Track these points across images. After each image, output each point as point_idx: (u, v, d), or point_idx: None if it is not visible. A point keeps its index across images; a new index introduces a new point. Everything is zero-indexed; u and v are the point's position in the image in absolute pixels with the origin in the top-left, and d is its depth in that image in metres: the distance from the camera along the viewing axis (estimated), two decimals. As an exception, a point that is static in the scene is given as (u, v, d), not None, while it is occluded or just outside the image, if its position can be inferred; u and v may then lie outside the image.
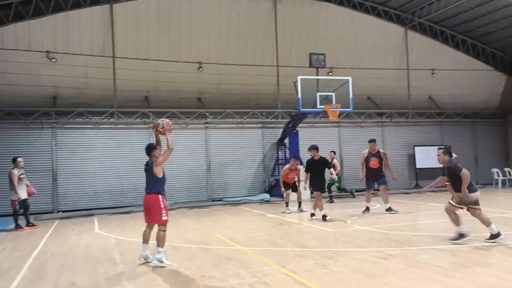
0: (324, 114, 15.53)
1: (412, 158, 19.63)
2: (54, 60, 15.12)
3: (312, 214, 10.93)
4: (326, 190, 12.95)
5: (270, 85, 17.83)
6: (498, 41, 20.30)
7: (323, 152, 12.87)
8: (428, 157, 19.49)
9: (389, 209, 11.24)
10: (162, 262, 6.40)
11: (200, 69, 16.87)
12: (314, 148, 10.81)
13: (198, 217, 12.48)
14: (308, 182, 10.94)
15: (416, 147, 19.61)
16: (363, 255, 6.59)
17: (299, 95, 14.67)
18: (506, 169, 19.77)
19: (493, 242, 7.03)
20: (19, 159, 11.23)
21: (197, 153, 16.76)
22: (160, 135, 7.15)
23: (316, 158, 10.76)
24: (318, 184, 10.65)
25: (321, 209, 10.46)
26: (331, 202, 14.44)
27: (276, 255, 6.88)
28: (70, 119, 15.25)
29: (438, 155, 7.60)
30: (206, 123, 16.99)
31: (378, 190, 12.64)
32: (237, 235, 8.86)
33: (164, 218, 6.62)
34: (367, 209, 11.48)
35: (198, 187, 16.59)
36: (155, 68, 16.25)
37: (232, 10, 17.01)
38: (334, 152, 15.39)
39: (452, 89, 20.52)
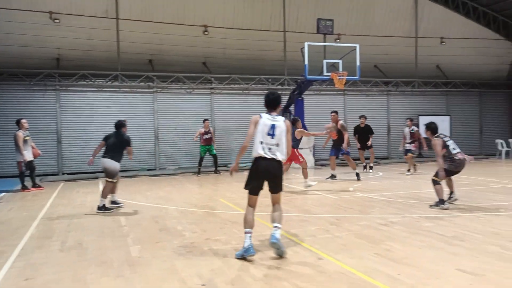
0: (331, 81, 15.34)
1: (417, 127, 19.49)
2: (57, 21, 14.86)
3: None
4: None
5: (276, 51, 17.54)
6: (510, 9, 19.73)
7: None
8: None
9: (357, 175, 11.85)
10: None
11: (206, 33, 16.57)
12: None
13: (203, 182, 12.60)
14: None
15: (420, 117, 19.46)
16: (366, 222, 6.67)
17: (306, 62, 14.45)
18: (511, 140, 19.68)
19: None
20: (23, 121, 11.23)
21: (202, 118, 16.71)
22: None
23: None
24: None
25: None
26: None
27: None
28: (73, 81, 15.14)
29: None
30: (211, 88, 16.85)
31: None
32: (242, 200, 8.95)
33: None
34: (332, 176, 12.03)
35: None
36: (159, 31, 15.96)
37: (239, -28, 16.55)
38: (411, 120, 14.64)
39: (461, 58, 20.14)
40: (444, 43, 19.67)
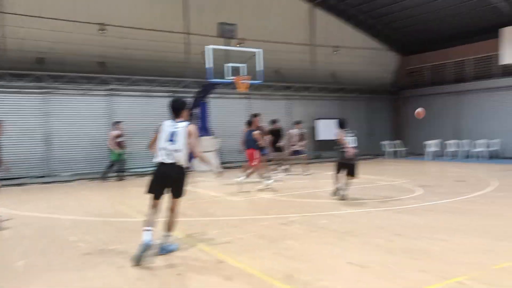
0: (235, 85, 15.56)
1: (313, 130, 20.63)
2: None
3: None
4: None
5: (179, 53, 17.33)
6: (394, 23, 21.82)
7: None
8: (328, 130, 20.66)
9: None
10: None
11: (102, 31, 15.75)
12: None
13: (101, 189, 11.94)
14: None
15: (317, 120, 20.64)
16: (267, 222, 6.86)
17: (208, 65, 14.49)
18: (396, 141, 21.77)
19: None
20: None
21: (99, 122, 15.85)
22: None
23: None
24: None
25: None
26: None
27: (182, 225, 6.85)
28: None
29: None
30: (109, 89, 16.06)
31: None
32: (142, 206, 8.65)
33: None
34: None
35: (101, 157, 15.76)
36: (51, 28, 14.81)
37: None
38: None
39: (352, 66, 21.77)
40: (337, 52, 21.07)
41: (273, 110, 19.34)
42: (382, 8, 20.41)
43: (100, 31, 15.69)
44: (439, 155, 19.78)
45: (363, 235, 5.84)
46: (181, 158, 5.09)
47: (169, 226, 5.27)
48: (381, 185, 11.08)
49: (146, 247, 4.80)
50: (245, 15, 18.30)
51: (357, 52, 21.57)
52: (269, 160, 12.81)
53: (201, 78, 16.29)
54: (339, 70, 21.66)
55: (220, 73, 14.95)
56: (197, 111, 16.91)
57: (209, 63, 14.40)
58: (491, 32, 17.51)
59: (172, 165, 5.06)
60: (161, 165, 5.09)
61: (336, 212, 7.55)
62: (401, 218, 6.92)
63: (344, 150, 8.64)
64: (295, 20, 19.84)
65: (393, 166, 17.21)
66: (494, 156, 18.22)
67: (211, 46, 14.61)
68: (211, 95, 16.78)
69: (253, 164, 10.57)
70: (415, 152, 21.67)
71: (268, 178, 10.78)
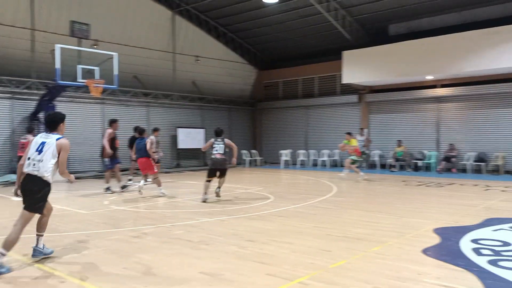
0: (87, 89, 14.51)
1: (174, 138, 20.43)
2: None
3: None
4: None
5: (22, 50, 15.50)
6: (252, 38, 22.99)
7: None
8: (189, 139, 20.72)
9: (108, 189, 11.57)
10: None
11: None
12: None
13: None
14: None
15: (178, 129, 20.50)
16: (118, 236, 6.48)
17: (57, 66, 13.26)
18: (253, 151, 22.84)
19: None
20: None
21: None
22: None
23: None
24: None
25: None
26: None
27: (19, 243, 6.06)
28: None
29: None
30: None
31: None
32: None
33: None
34: (108, 189, 11.54)
35: None
36: None
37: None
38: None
39: (213, 76, 22.23)
40: (199, 61, 21.29)
41: (131, 117, 18.58)
42: (240, 23, 21.33)
43: None
44: (292, 164, 21.34)
45: (217, 244, 5.91)
46: (43, 169, 4.95)
47: (9, 244, 4.84)
48: (237, 193, 11.44)
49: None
50: (101, 15, 17.26)
51: (218, 63, 22.10)
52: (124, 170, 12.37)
53: (48, 79, 14.86)
54: (200, 80, 21.89)
55: (71, 76, 13.81)
56: (41, 115, 15.32)
57: (58, 63, 13.18)
58: (336, 54, 19.65)
59: (31, 175, 4.99)
60: (26, 175, 5.04)
61: (191, 222, 7.52)
62: (253, 225, 7.21)
63: (211, 157, 9.91)
64: (157, 26, 19.44)
65: (250, 174, 17.98)
66: (334, 165, 20.38)
67: (61, 45, 13.42)
68: (60, 99, 15.39)
69: (155, 171, 10.93)
70: (270, 161, 23.03)
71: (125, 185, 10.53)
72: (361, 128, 18.99)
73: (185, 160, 20.92)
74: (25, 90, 15.49)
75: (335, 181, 14.33)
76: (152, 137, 14.04)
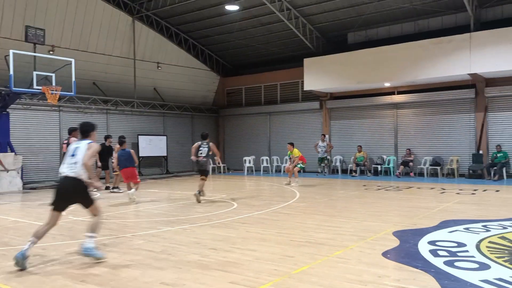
0: (43, 96, 14.01)
1: (136, 146, 20.02)
2: None
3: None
4: None
5: (-28, 55, 14.79)
6: (214, 45, 22.95)
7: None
8: (151, 146, 20.36)
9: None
10: None
11: None
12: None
13: None
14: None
15: (140, 136, 20.11)
16: (75, 248, 6.23)
17: (11, 72, 12.74)
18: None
19: None
20: None
21: None
22: None
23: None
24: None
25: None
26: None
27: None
28: None
29: None
30: None
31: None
32: None
33: None
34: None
35: None
36: None
37: None
38: None
39: (175, 83, 22.00)
40: (160, 68, 21.02)
41: (90, 124, 18.03)
42: (201, 30, 21.25)
43: None
44: (255, 170, 21.37)
45: (179, 253, 5.81)
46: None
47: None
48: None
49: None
50: (57, 20, 16.73)
51: (180, 70, 21.90)
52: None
53: (3, 86, 14.25)
54: (162, 87, 21.61)
55: (25, 82, 13.30)
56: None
57: (12, 69, 12.67)
58: (297, 61, 19.92)
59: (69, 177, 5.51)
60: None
61: (153, 231, 7.36)
62: (217, 232, 7.15)
63: (198, 159, 10.87)
64: (116, 32, 19.03)
65: (213, 181, 17.83)
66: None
67: (15, 51, 12.91)
68: (14, 106, 14.78)
69: (138, 180, 11.62)
70: (234, 168, 22.97)
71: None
72: (323, 134, 19.32)
73: (147, 168, 20.53)
74: (-25, 97, 14.75)
75: (298, 187, 14.45)
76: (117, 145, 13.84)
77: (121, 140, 11.86)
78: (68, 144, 11.14)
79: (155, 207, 10.27)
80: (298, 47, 20.36)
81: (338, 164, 19.75)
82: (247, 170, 21.14)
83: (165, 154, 21.12)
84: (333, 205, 10.54)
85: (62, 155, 16.54)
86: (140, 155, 19.96)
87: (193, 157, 10.97)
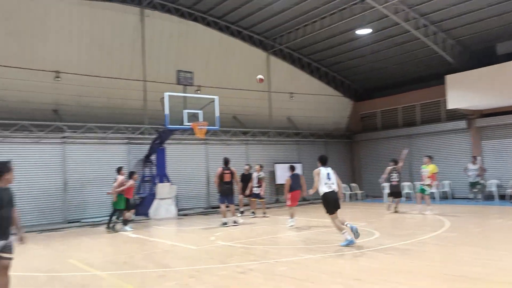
0: (192, 131, 15.57)
1: (272, 174, 20.75)
2: None
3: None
4: None
5: (136, 100, 17.25)
6: (345, 70, 22.88)
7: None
8: (287, 173, 20.83)
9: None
10: None
11: (58, 78, 15.49)
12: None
13: (50, 241, 11.28)
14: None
15: (276, 164, 20.82)
16: (225, 271, 6.68)
17: (166, 112, 14.49)
18: (352, 185, 22.21)
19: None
20: None
21: (52, 170, 15.24)
22: None
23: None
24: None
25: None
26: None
27: (136, 277, 6.57)
28: None
29: None
30: (63, 137, 15.60)
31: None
32: (94, 259, 8.23)
33: None
34: (224, 224, 12.25)
35: (52, 207, 15.02)
36: (1, 75, 14.39)
37: (95, 19, 16.12)
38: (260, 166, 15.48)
39: (308, 111, 22.39)
40: (293, 98, 21.68)
41: (231, 155, 19.31)
42: (332, 57, 21.40)
43: (55, 79, 15.44)
44: (394, 197, 20.22)
45: (321, 282, 5.79)
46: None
47: None
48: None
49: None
50: (203, 63, 18.61)
51: (312, 98, 22.28)
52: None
53: (159, 124, 16.23)
54: (295, 116, 22.19)
55: (177, 120, 14.95)
56: (153, 157, 16.74)
57: (167, 109, 14.41)
58: (437, 78, 18.66)
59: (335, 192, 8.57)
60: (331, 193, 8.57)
61: (295, 258, 7.48)
62: (359, 263, 6.94)
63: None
64: (253, 68, 20.32)
65: (351, 209, 17.43)
66: (443, 197, 18.89)
67: (169, 93, 14.68)
68: (169, 142, 16.68)
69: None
70: (372, 195, 22.14)
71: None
72: (474, 156, 17.51)
73: (284, 195, 21.01)
74: (139, 136, 17.09)
75: (448, 215, 13.24)
76: (255, 173, 14.65)
77: (292, 166, 13.53)
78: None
79: (294, 235, 10.42)
80: (437, 64, 19.09)
81: (494, 189, 17.59)
82: (386, 197, 20.12)
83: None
84: (489, 236, 9.40)
85: (208, 184, 17.96)
86: (277, 182, 20.62)
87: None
